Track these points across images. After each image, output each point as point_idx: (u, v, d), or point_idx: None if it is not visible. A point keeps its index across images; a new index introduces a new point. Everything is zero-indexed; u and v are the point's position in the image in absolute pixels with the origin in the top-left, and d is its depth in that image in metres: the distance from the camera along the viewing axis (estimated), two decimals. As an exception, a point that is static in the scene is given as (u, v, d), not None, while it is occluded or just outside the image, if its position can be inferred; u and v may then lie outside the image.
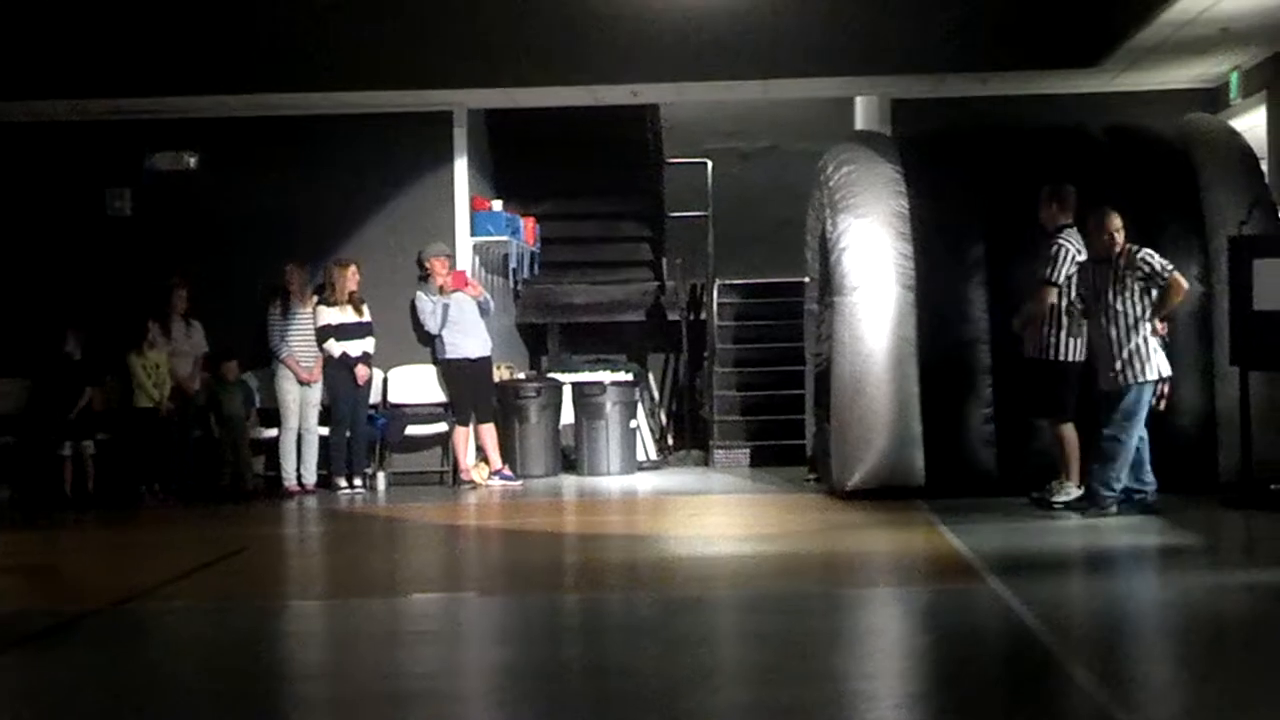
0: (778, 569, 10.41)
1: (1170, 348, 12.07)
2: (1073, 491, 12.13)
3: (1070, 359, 12.19)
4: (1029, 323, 12.31)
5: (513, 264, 16.95)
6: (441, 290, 15.40)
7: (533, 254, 17.34)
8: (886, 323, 13.05)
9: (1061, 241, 12.17)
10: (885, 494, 12.91)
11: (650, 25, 14.43)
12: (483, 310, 15.58)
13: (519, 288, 17.53)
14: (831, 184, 13.61)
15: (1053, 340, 12.18)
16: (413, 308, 15.59)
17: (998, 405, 13.03)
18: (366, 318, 15.34)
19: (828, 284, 13.68)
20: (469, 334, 15.50)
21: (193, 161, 15.97)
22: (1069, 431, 12.19)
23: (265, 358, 15.33)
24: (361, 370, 15.24)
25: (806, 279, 15.14)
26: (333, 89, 15.01)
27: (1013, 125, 14.72)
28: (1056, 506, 12.09)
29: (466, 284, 15.53)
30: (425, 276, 15.56)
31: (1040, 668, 7.38)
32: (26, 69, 14.70)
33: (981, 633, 8.25)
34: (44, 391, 15.12)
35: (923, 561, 10.50)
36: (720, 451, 16.63)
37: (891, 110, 16.52)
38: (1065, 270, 12.11)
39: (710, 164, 18.15)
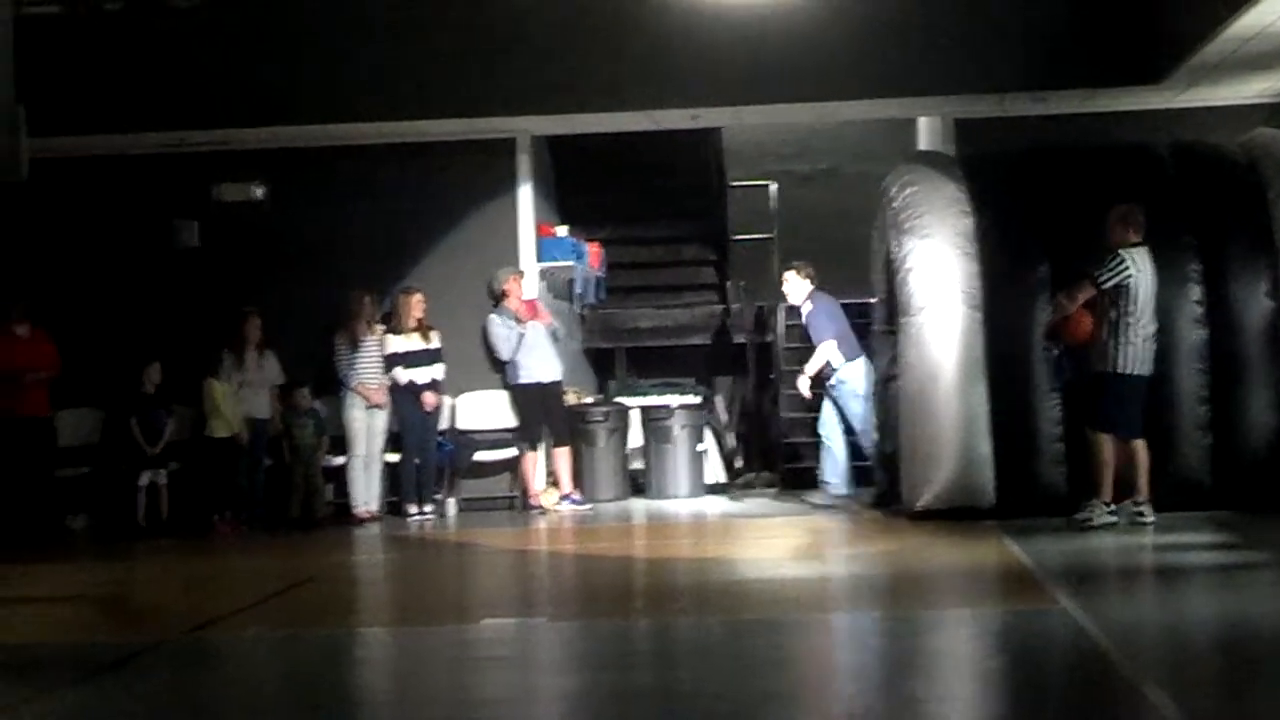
0: (848, 591, 10.39)
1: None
2: (1100, 511, 12.08)
3: (1128, 372, 12.13)
4: (1059, 315, 12.43)
5: (578, 289, 16.98)
6: (519, 318, 15.45)
7: (598, 279, 17.37)
8: (953, 343, 13.01)
9: (1124, 254, 12.16)
10: (955, 515, 12.86)
11: (711, 49, 14.45)
12: (554, 337, 15.64)
13: (585, 313, 17.57)
14: (895, 205, 13.59)
15: (1110, 352, 12.15)
16: (482, 333, 15.66)
17: (1067, 424, 12.96)
18: (435, 345, 15.42)
19: (894, 305, 13.66)
20: (541, 358, 15.54)
21: (259, 192, 16.09)
22: (1107, 446, 12.15)
23: (333, 386, 15.42)
24: (429, 397, 15.31)
25: (873, 300, 15.11)
26: (397, 118, 15.10)
27: (1076, 144, 14.67)
28: (1090, 527, 12.05)
29: (538, 313, 15.60)
30: (498, 302, 15.62)
31: (1113, 689, 7.34)
32: (95, 104, 14.84)
33: (1053, 654, 8.21)
34: (120, 422, 15.29)
35: (993, 582, 10.46)
36: (788, 473, 16.60)
37: (954, 130, 16.49)
38: (1116, 279, 12.09)
39: (774, 186, 18.14)
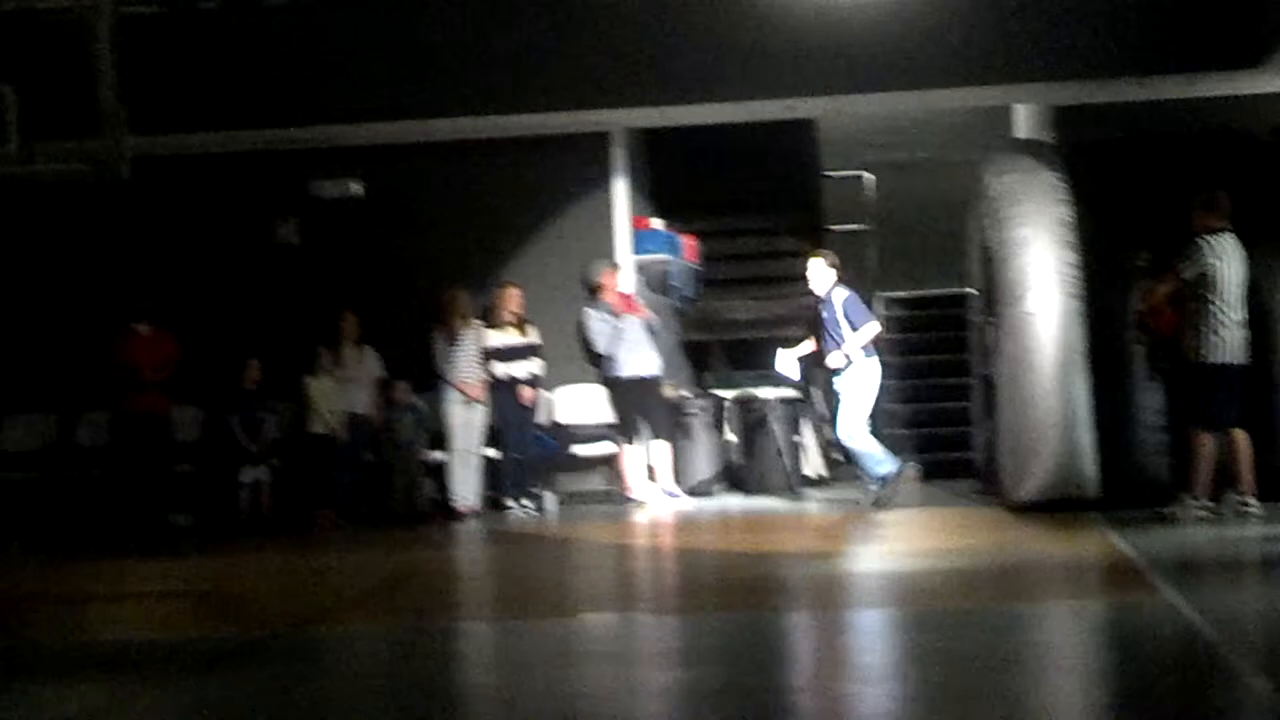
0: (949, 584, 10.31)
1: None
2: (1189, 506, 11.93)
3: (1217, 361, 11.98)
4: (1145, 306, 12.32)
5: (674, 282, 16.98)
6: (614, 310, 15.47)
7: (694, 271, 17.36)
8: (1053, 333, 12.92)
9: (1204, 242, 12.02)
10: (1057, 506, 12.76)
11: (806, 39, 14.40)
12: (651, 331, 15.65)
13: (681, 305, 17.56)
14: (992, 193, 13.50)
15: (1197, 343, 12.00)
16: (579, 327, 15.69)
17: (1170, 414, 12.82)
18: (532, 339, 15.46)
19: (992, 295, 13.56)
20: (638, 352, 15.56)
21: (357, 189, 16.20)
22: (1203, 439, 11.99)
23: (432, 381, 15.50)
24: (525, 392, 15.35)
25: (970, 290, 15.02)
26: (491, 113, 15.14)
27: (1175, 129, 14.51)
28: (1175, 520, 11.91)
29: (634, 307, 15.61)
30: (594, 295, 15.65)
31: (1219, 680, 7.25)
32: (195, 102, 14.97)
33: (1158, 646, 8.12)
34: (222, 419, 15.45)
35: (1097, 574, 10.36)
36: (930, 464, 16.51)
37: (1051, 117, 16.35)
38: (1197, 268, 11.96)
39: (869, 176, 18.06)
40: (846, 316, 14.27)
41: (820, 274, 14.53)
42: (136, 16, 14.40)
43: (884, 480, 14.24)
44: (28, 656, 9.10)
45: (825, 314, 14.39)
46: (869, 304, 15.15)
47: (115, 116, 13.38)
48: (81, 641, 9.59)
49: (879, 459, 14.26)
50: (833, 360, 14.34)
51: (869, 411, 14.37)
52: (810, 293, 14.57)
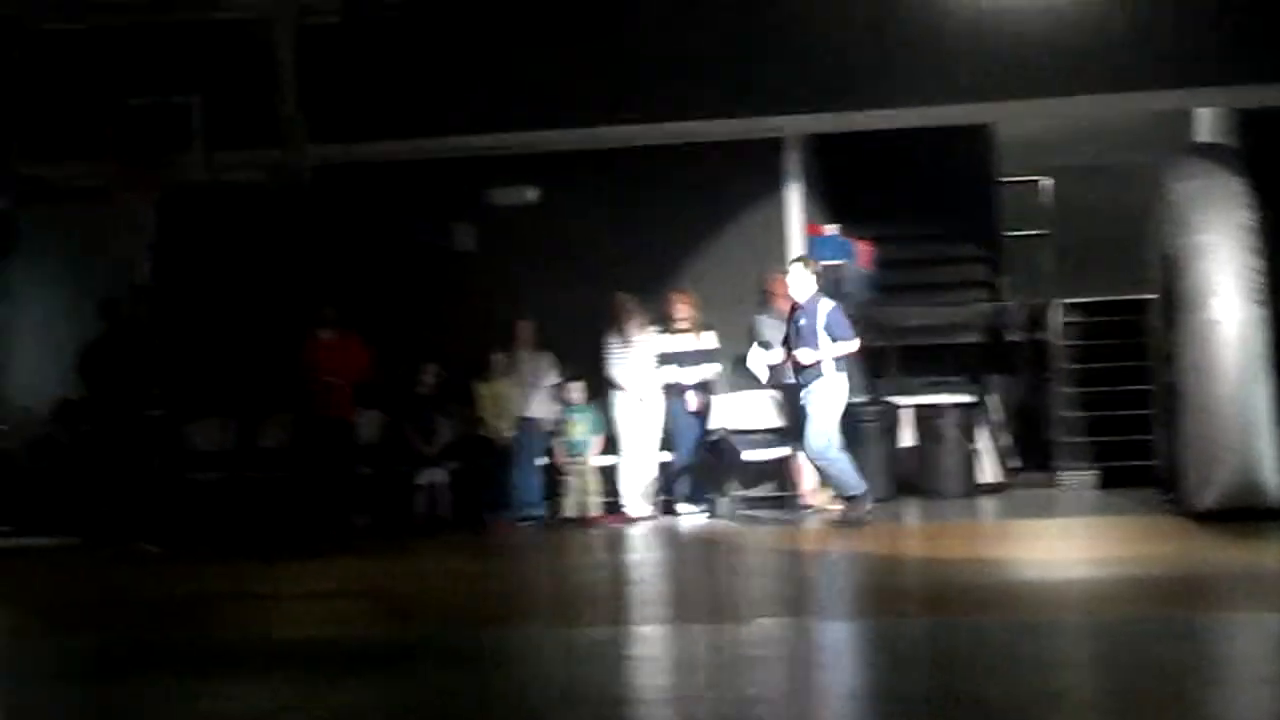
0: (1129, 593, 10.16)
1: None
2: None
3: None
4: None
5: (847, 287, 16.89)
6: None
7: (868, 277, 17.27)
8: (1234, 340, 12.67)
9: None
10: (1240, 515, 12.51)
11: (983, 44, 14.28)
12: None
13: (855, 311, 17.45)
14: (1174, 198, 13.28)
15: None
16: (750, 333, 15.67)
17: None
18: (707, 345, 15.47)
19: (1173, 301, 13.34)
20: (810, 358, 15.50)
21: (532, 195, 16.32)
22: None
23: (606, 386, 15.57)
24: (693, 397, 15.36)
25: (1150, 296, 14.78)
26: (665, 119, 15.19)
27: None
28: None
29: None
30: (766, 300, 15.64)
31: None
32: (373, 111, 15.18)
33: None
34: (401, 423, 15.67)
35: (1278, 585, 10.14)
36: (1065, 473, 16.32)
37: (1234, 121, 16.05)
38: None
39: (1047, 181, 17.85)
40: (828, 329, 13.87)
41: (801, 281, 14.12)
42: (316, 27, 14.66)
43: (853, 499, 13.97)
44: (215, 654, 9.28)
45: (803, 322, 13.98)
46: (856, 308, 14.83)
47: (296, 126, 13.64)
48: (266, 639, 9.76)
49: (851, 477, 13.98)
50: (803, 356, 13.86)
51: (837, 428, 13.96)
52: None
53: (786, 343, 14.19)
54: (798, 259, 14.42)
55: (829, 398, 13.87)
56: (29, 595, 12.70)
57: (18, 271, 17.33)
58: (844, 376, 13.96)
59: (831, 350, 13.86)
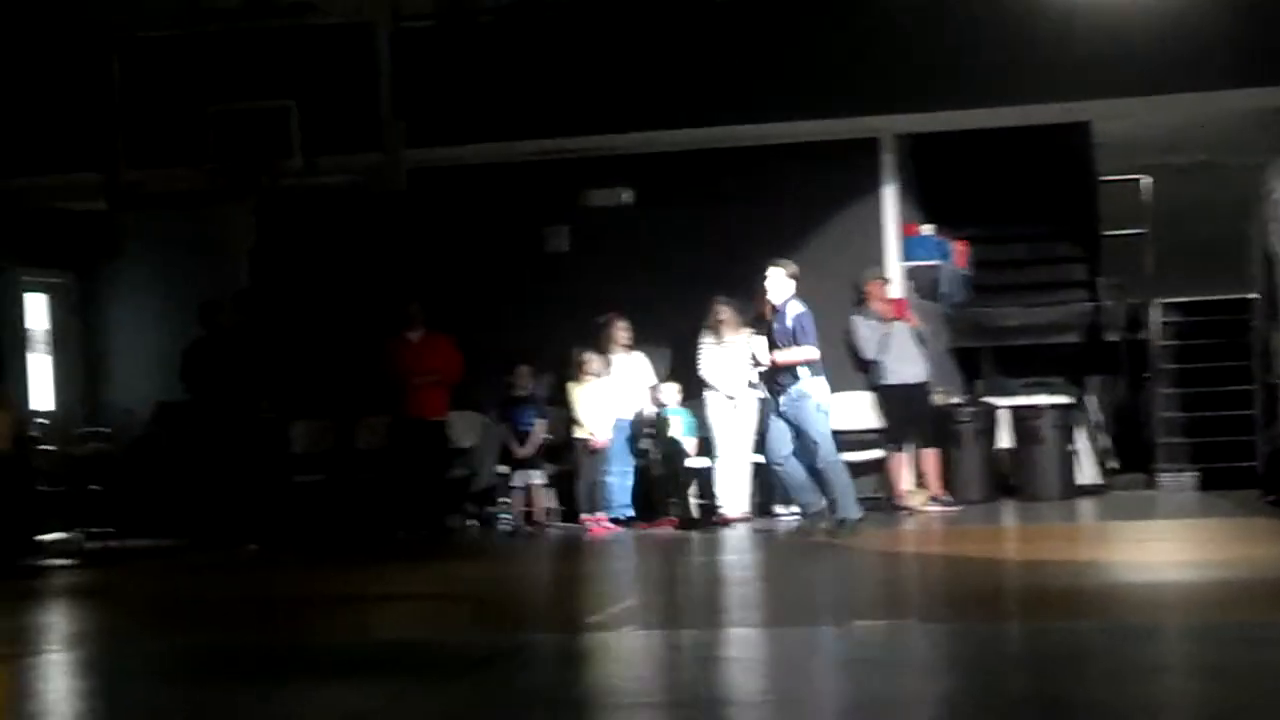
0: (1231, 597, 10.04)
1: None
2: None
3: None
4: None
5: (943, 288, 16.82)
6: (884, 318, 15.40)
7: (964, 277, 17.18)
8: (1339, 339, 12.51)
9: None
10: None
11: (1080, 41, 14.15)
12: (919, 338, 15.52)
13: (951, 312, 17.38)
14: (1275, 197, 13.12)
15: None
16: (846, 334, 15.63)
17: None
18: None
19: (1275, 300, 13.18)
20: (907, 359, 15.45)
21: (627, 197, 16.34)
22: None
23: (700, 387, 15.56)
24: (787, 398, 15.34)
25: (1252, 295, 14.61)
26: (760, 120, 15.15)
27: None
28: None
29: (905, 313, 15.50)
30: (862, 301, 15.59)
31: None
32: (468, 114, 15.25)
33: None
34: (496, 425, 15.75)
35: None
36: (1165, 474, 16.16)
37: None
38: None
39: (1146, 180, 17.69)
40: (793, 333, 13.65)
41: (779, 284, 13.86)
42: (412, 31, 14.73)
43: (805, 511, 13.90)
44: (311, 655, 9.35)
45: (777, 325, 13.75)
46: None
47: (393, 129, 13.72)
48: (361, 641, 9.83)
49: (809, 489, 13.79)
50: (780, 356, 13.62)
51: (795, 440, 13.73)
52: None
53: (769, 344, 13.92)
54: (776, 263, 13.99)
55: (814, 402, 13.64)
56: (130, 597, 12.86)
57: (119, 276, 17.56)
58: (823, 381, 13.71)
59: (790, 355, 13.62)
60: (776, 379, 13.72)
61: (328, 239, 16.61)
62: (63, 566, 14.49)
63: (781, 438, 13.72)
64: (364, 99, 13.81)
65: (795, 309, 13.72)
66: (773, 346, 13.77)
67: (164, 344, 16.55)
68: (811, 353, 13.62)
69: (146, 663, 9.44)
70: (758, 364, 15.27)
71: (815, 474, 13.76)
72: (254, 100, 14.00)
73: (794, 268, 13.95)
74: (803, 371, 13.58)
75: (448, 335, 15.68)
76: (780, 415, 13.71)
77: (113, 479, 16.64)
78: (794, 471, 13.77)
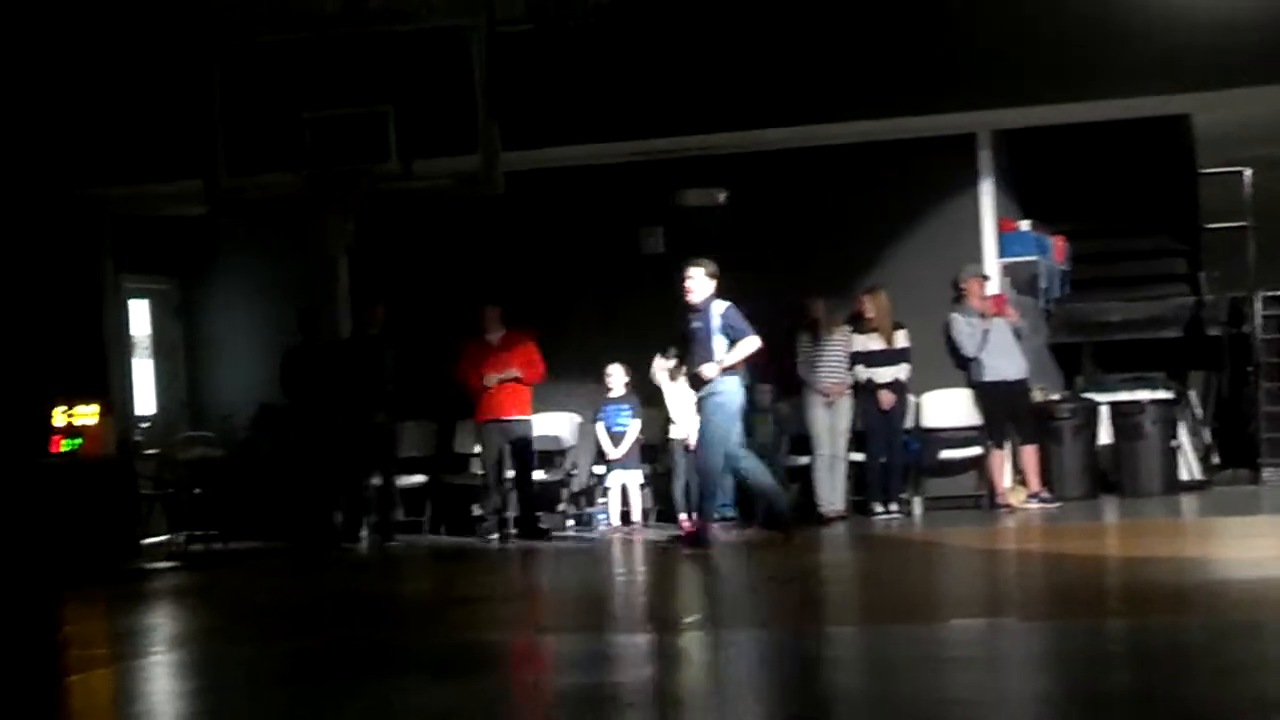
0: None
1: None
2: None
3: None
4: None
5: (1042, 284, 16.71)
6: (983, 315, 15.32)
7: (1063, 272, 17.06)
8: None
9: None
10: None
11: (1178, 33, 14.00)
12: (1018, 334, 15.43)
13: (1049, 307, 17.26)
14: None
15: None
16: (945, 331, 15.56)
17: None
18: (900, 344, 15.39)
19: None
20: (1006, 356, 15.37)
21: (721, 197, 16.34)
22: None
23: (795, 386, 15.54)
24: (884, 397, 15.29)
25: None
26: (855, 118, 15.10)
27: None
28: None
29: (1002, 310, 15.42)
30: (960, 298, 15.52)
31: None
32: (562, 116, 15.29)
33: None
34: (591, 426, 15.81)
35: None
36: (1270, 470, 15.98)
37: None
38: None
39: (1248, 172, 17.50)
40: (724, 330, 13.48)
41: (700, 284, 13.69)
42: (507, 35, 14.79)
43: (704, 520, 13.70)
44: (407, 654, 9.42)
45: (698, 325, 13.58)
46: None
47: (489, 132, 13.80)
48: (455, 641, 9.89)
49: (717, 498, 13.67)
50: (706, 370, 13.47)
51: (731, 439, 13.58)
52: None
53: (685, 347, 13.86)
54: (697, 263, 13.82)
55: (720, 408, 13.48)
56: (233, 599, 13.00)
57: (220, 281, 17.74)
58: (736, 383, 13.55)
59: (733, 353, 13.48)
60: (697, 378, 13.58)
61: (425, 242, 16.70)
62: (166, 569, 14.67)
63: (722, 441, 13.53)
64: (460, 102, 13.90)
65: (719, 307, 13.59)
66: (690, 346, 13.65)
67: (264, 348, 16.74)
68: (752, 344, 13.50)
69: (249, 664, 9.53)
70: (853, 364, 15.30)
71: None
72: (351, 105, 14.12)
73: (714, 267, 13.78)
74: (716, 370, 13.45)
75: (529, 336, 15.68)
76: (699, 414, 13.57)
77: (215, 482, 16.84)
78: (755, 472, 13.63)
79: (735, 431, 13.61)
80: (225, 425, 16.97)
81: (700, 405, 13.62)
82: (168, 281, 17.75)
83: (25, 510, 14.40)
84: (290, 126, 13.97)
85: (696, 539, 13.49)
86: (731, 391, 13.53)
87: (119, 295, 17.02)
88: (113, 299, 16.84)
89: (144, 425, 16.93)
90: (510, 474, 15.53)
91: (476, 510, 15.97)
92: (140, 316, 17.45)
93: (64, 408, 14.76)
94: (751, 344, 13.55)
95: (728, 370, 13.46)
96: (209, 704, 8.55)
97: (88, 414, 14.79)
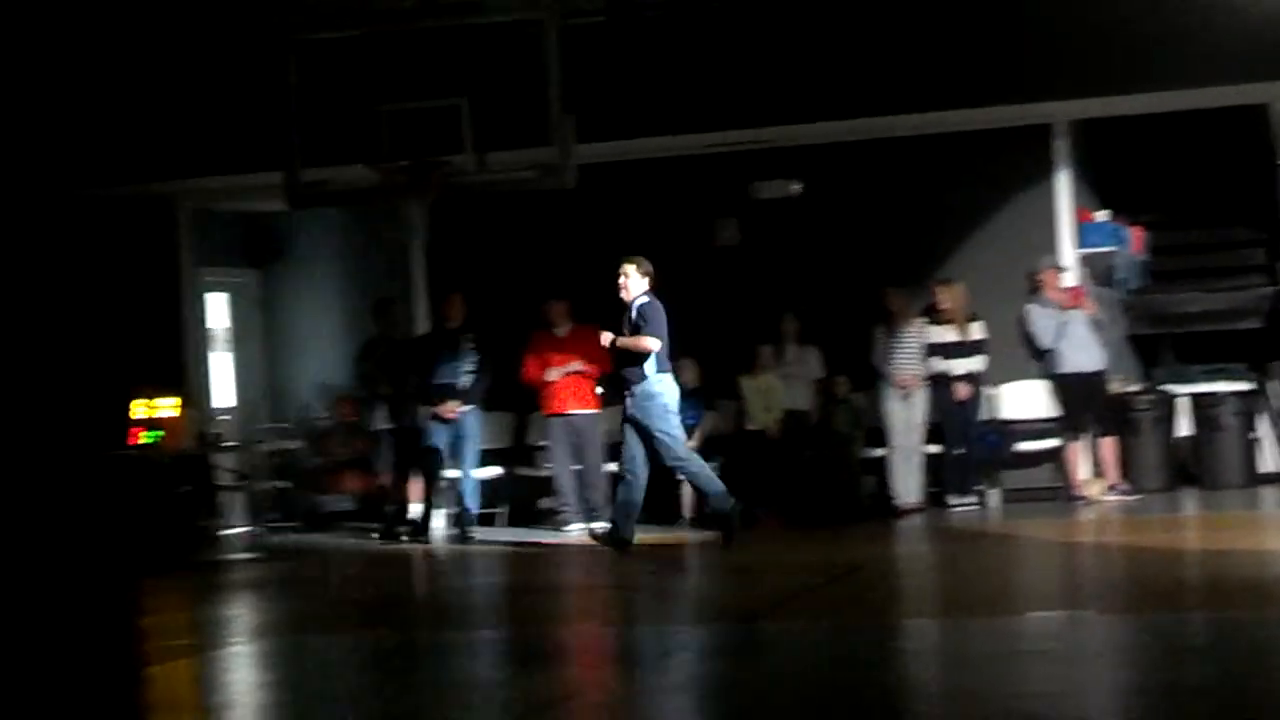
0: None
1: None
2: None
3: None
4: None
5: (1120, 274, 16.60)
6: (1060, 306, 15.24)
7: (1141, 263, 16.94)
8: None
9: None
10: None
11: (1256, 21, 13.86)
12: (1096, 326, 15.34)
13: (1127, 298, 17.14)
14: None
15: None
16: (1021, 323, 15.49)
17: None
18: (976, 336, 15.33)
19: None
20: (1083, 347, 15.28)
21: (796, 188, 16.31)
22: None
23: (871, 377, 15.50)
24: (960, 389, 15.23)
25: None
26: (930, 109, 15.03)
27: None
28: None
29: (1082, 301, 15.33)
30: (1037, 290, 15.44)
31: None
32: (636, 108, 15.30)
33: None
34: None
35: None
36: None
37: None
38: None
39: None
40: (636, 324, 13.31)
41: (634, 282, 13.50)
42: (581, 27, 14.80)
43: (617, 525, 13.46)
44: (499, 646, 9.47)
45: (638, 323, 13.40)
46: None
47: (562, 125, 13.82)
48: (532, 633, 9.93)
49: (629, 506, 13.42)
50: (621, 341, 13.32)
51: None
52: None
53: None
54: (630, 260, 13.62)
55: (662, 403, 13.31)
56: (312, 590, 13.10)
57: (297, 274, 17.87)
58: (670, 380, 13.39)
59: (629, 342, 13.30)
60: (623, 379, 13.43)
61: (499, 235, 16.74)
62: (245, 560, 14.78)
63: (633, 446, 13.36)
64: (533, 95, 13.92)
65: (640, 302, 13.44)
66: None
67: (342, 340, 16.83)
68: (651, 343, 13.26)
69: (329, 654, 9.61)
70: (928, 356, 15.25)
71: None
72: (426, 99, 14.17)
73: (648, 265, 13.62)
74: (648, 369, 13.27)
75: (597, 332, 15.65)
76: (628, 420, 13.39)
77: (294, 474, 16.97)
78: (637, 483, 13.42)
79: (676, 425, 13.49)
80: (305, 416, 17.11)
81: (642, 410, 13.32)
82: (246, 274, 17.88)
83: (106, 502, 14.56)
84: (368, 120, 14.04)
85: (726, 534, 13.41)
86: (668, 390, 13.39)
87: (197, 289, 17.15)
88: (191, 292, 16.97)
89: (224, 418, 17.05)
90: (575, 467, 15.49)
91: (545, 503, 15.97)
92: (219, 309, 17.58)
93: (144, 401, 14.88)
94: (649, 344, 13.27)
95: (660, 369, 13.30)
96: (288, 694, 8.62)
97: (168, 407, 14.91)
